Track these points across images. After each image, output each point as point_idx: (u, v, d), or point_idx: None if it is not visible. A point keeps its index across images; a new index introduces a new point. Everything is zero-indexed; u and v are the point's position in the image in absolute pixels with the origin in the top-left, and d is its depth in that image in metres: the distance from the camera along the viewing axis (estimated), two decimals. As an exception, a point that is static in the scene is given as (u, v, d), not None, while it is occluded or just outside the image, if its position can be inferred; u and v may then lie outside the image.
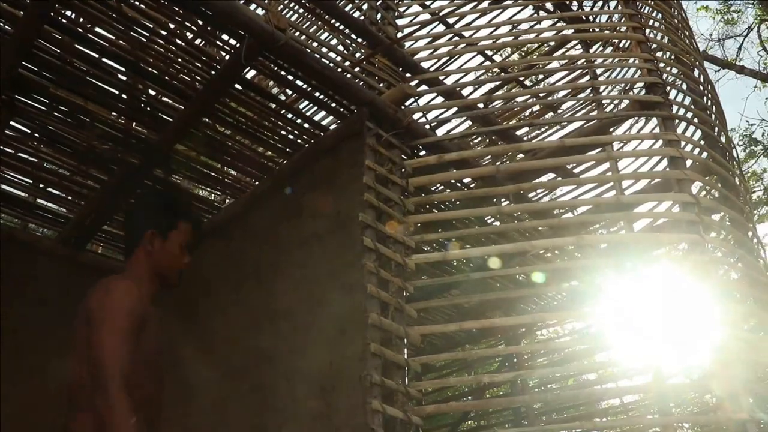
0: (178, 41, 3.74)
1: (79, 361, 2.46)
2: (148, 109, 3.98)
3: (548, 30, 4.40)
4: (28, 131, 4.13)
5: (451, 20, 5.30)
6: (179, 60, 3.79)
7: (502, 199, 4.33)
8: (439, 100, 4.45)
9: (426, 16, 4.74)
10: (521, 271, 3.64)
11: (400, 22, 4.43)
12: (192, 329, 4.64)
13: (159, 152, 3.89)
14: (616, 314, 3.61)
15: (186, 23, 3.83)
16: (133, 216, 2.85)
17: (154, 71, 3.75)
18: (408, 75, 4.28)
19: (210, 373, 4.23)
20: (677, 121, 3.85)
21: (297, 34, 3.94)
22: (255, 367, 3.84)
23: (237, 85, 3.78)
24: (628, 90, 4.88)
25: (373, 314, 2.94)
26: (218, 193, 5.41)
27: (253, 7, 3.89)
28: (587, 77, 5.22)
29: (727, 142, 4.39)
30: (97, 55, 3.59)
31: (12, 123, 4.01)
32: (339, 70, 3.61)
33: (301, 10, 5.36)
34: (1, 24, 3.44)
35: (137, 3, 3.56)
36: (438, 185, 4.43)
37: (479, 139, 5.12)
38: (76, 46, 3.52)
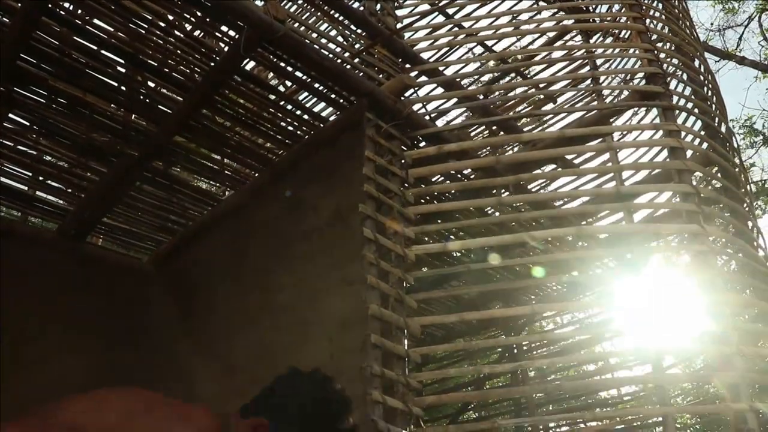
0: (176, 33, 3.73)
1: None
2: (147, 101, 3.97)
3: (548, 20, 4.38)
4: (27, 123, 4.12)
5: (450, 11, 5.29)
6: (178, 51, 3.78)
7: (502, 190, 4.32)
8: (439, 91, 4.44)
9: (425, 7, 4.73)
10: (521, 262, 3.63)
11: (399, 12, 4.42)
12: (192, 322, 4.65)
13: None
14: (616, 305, 3.62)
15: (185, 14, 3.82)
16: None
17: (153, 63, 3.73)
18: (407, 66, 4.27)
19: (210, 366, 4.25)
20: (677, 111, 3.84)
21: (296, 25, 3.93)
22: (256, 359, 3.85)
23: (236, 77, 3.77)
24: (629, 80, 4.87)
25: (374, 305, 2.94)
26: (218, 184, 5.41)
27: (251, -2, 3.88)
28: (587, 68, 5.20)
29: (727, 133, 4.38)
30: (95, 47, 3.57)
31: (11, 115, 4.01)
32: (338, 61, 3.60)
33: (300, 1, 5.35)
34: (-1, 15, 3.43)
35: (135, -6, 3.55)
36: (438, 176, 4.43)
37: (479, 129, 5.11)
38: (75, 38, 3.51)
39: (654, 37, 4.08)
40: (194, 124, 4.04)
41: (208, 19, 3.89)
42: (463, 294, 5.71)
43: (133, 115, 4.23)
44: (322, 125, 4.04)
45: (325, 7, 4.27)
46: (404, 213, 3.31)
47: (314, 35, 3.81)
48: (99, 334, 5.00)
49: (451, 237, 4.81)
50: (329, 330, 3.34)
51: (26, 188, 5.03)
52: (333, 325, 3.32)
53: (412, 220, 3.35)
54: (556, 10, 5.47)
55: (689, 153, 3.67)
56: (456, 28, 4.55)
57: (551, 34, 4.98)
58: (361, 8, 4.34)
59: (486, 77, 5.24)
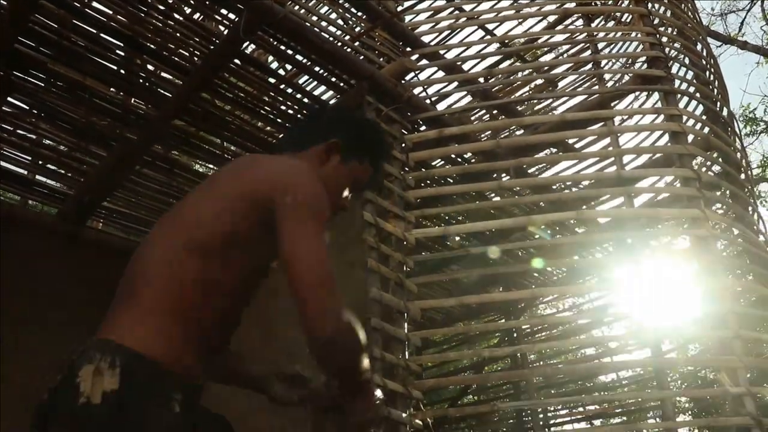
0: (176, 16, 3.70)
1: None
2: (147, 84, 3.95)
3: (550, 3, 4.34)
4: (27, 107, 4.11)
5: (451, -6, 5.25)
6: (178, 35, 3.75)
7: (503, 174, 4.32)
8: (440, 74, 4.42)
9: (426, -10, 4.69)
10: (521, 246, 3.64)
11: (400, -5, 4.39)
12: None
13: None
14: (616, 290, 3.63)
15: (184, -3, 3.80)
16: (331, 114, 2.25)
17: (152, 46, 3.71)
18: (408, 49, 4.25)
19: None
20: (679, 95, 3.83)
21: (296, 7, 3.90)
22: (258, 343, 3.86)
23: (236, 60, 3.75)
24: (630, 64, 4.84)
25: (374, 289, 2.95)
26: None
27: (251, -20, 3.85)
28: (589, 52, 5.17)
29: (728, 117, 4.37)
30: (95, 30, 3.55)
31: (10, 99, 3.99)
32: (338, 44, 3.59)
33: (300, -16, 5.30)
34: (-3, -2, 3.41)
35: (135, -23, 3.52)
36: (438, 160, 4.42)
37: (480, 113, 5.09)
38: (74, 21, 3.48)
39: (656, 21, 4.05)
40: (194, 107, 4.02)
41: (207, 2, 3.87)
42: (463, 278, 5.73)
43: (133, 99, 4.21)
44: (322, 109, 4.02)
45: (325, -10, 4.25)
46: (404, 197, 3.31)
47: (314, 18, 3.78)
48: (100, 318, 5.00)
49: (452, 221, 4.82)
50: (329, 313, 3.34)
51: (26, 172, 5.02)
52: (333, 308, 3.32)
53: (412, 203, 3.35)
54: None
55: (690, 138, 3.66)
56: (457, 12, 4.52)
57: (553, 18, 4.94)
58: (362, -9, 4.31)
59: (487, 61, 5.21)
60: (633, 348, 6.34)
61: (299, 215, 1.55)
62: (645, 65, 4.01)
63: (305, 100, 4.10)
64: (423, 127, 3.80)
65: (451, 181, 4.25)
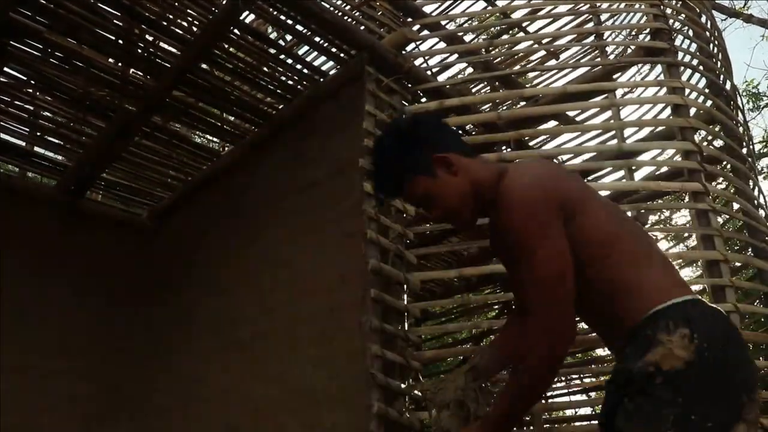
0: (174, -16, 3.66)
1: None
2: (146, 54, 3.91)
3: (553, -27, 4.28)
4: (24, 78, 4.08)
5: (453, -36, 5.18)
6: (176, 4, 3.71)
7: (503, 146, 4.30)
8: (441, 45, 4.38)
9: (428, -41, 4.62)
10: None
11: (401, -35, 4.32)
12: (192, 277, 4.67)
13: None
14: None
15: (182, -35, 3.74)
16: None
17: (150, 16, 3.67)
18: (409, 19, 4.20)
19: (211, 319, 4.28)
20: (682, 68, 3.79)
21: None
22: (256, 314, 3.88)
23: (235, 30, 3.72)
24: (634, 36, 4.79)
25: (373, 260, 2.95)
26: (217, 140, 5.38)
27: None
28: (592, 23, 5.11)
29: (732, 91, 4.33)
30: (92, -1, 3.52)
31: (6, 69, 3.96)
32: (339, 13, 3.55)
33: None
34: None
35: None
36: (439, 132, 4.39)
37: (481, 85, 5.05)
38: (71, -12, 3.45)
39: (660, -9, 4.00)
40: (193, 78, 3.99)
41: (206, -29, 3.81)
42: (463, 250, 5.73)
43: (131, 70, 4.18)
44: (322, 79, 3.99)
45: (325, -41, 4.18)
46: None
47: (314, -13, 3.73)
48: (99, 289, 5.03)
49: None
50: (329, 284, 3.35)
51: (24, 144, 5.00)
52: (332, 279, 3.33)
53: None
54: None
55: (693, 110, 3.63)
56: (459, -18, 4.47)
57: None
58: (362, -40, 4.25)
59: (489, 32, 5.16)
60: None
61: None
62: (648, 37, 3.96)
63: (305, 70, 4.07)
64: (423, 98, 3.77)
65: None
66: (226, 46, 3.85)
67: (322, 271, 3.44)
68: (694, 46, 4.13)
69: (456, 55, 4.28)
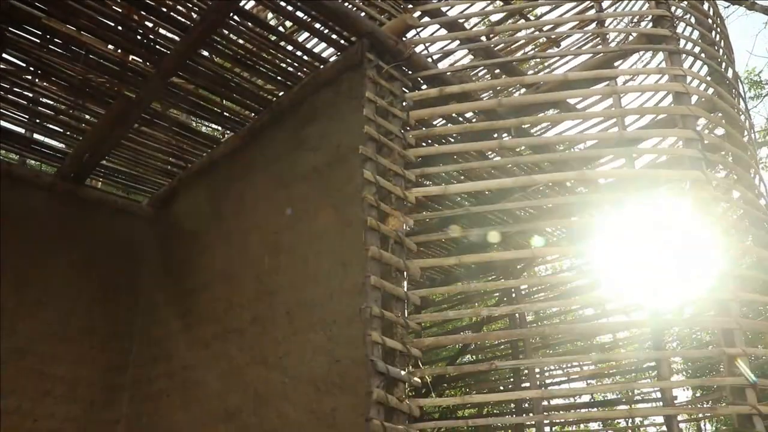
0: (173, -30, 3.63)
1: None
2: (145, 41, 3.90)
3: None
4: (23, 65, 4.06)
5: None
6: (175, -11, 3.69)
7: (504, 134, 4.28)
8: (442, 32, 4.36)
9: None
10: (521, 206, 3.62)
11: (402, -50, 4.29)
12: (192, 264, 4.68)
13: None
14: (615, 250, 3.62)
15: (181, -50, 3.71)
16: None
17: (150, 2, 3.65)
18: (410, 6, 4.18)
19: (211, 306, 4.29)
20: (684, 55, 3.77)
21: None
22: (256, 300, 3.88)
23: (235, 16, 3.69)
24: (635, 23, 4.77)
25: (373, 247, 2.95)
26: (217, 126, 5.37)
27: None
28: (593, 10, 5.08)
29: (734, 78, 4.31)
30: (91, -16, 3.49)
31: (4, 55, 3.94)
32: (339, -1, 3.53)
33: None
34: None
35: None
36: (439, 119, 4.38)
37: (482, 72, 5.03)
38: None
39: (663, -22, 3.97)
40: (193, 65, 3.98)
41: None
42: (463, 238, 5.73)
43: (131, 56, 4.16)
44: (322, 66, 3.98)
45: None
46: (405, 155, 3.29)
47: (314, -27, 3.70)
48: (99, 276, 5.04)
49: (452, 180, 4.81)
50: (329, 271, 3.36)
51: (23, 131, 4.99)
52: (333, 265, 3.34)
53: (412, 162, 3.33)
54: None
55: (694, 98, 3.61)
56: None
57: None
58: (363, -55, 4.22)
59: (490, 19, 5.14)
60: (631, 309, 6.38)
61: None
62: (650, 24, 3.94)
63: (305, 57, 4.05)
64: (424, 86, 3.76)
65: (452, 140, 4.22)
66: (226, 32, 3.83)
67: (321, 258, 3.44)
68: (696, 33, 4.11)
69: (457, 42, 4.26)
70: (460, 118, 4.30)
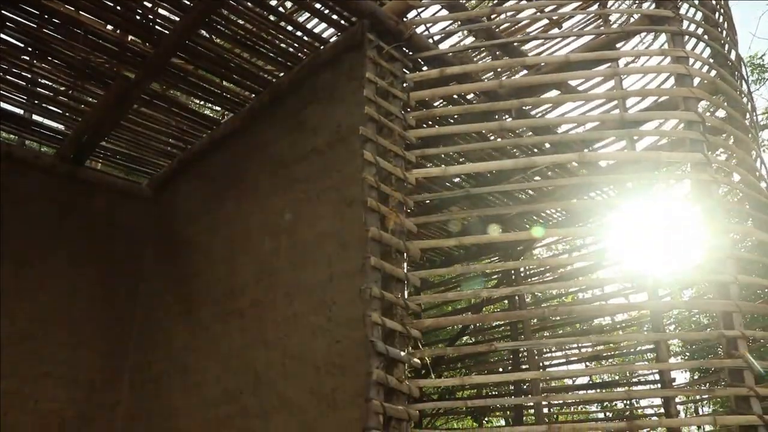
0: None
1: None
2: (144, 21, 3.87)
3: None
4: (21, 45, 4.03)
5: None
6: (174, -31, 3.66)
7: (504, 115, 4.27)
8: (443, 13, 4.33)
9: (430, -76, 4.54)
10: (521, 187, 3.62)
11: (403, -71, 4.25)
12: (192, 245, 4.68)
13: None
14: (615, 233, 3.62)
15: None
16: None
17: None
18: (411, -14, 4.14)
19: (211, 289, 4.30)
20: (687, 37, 3.74)
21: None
22: (256, 281, 3.89)
23: (235, -5, 3.67)
24: (638, 4, 4.73)
25: (373, 228, 2.95)
26: (217, 107, 5.35)
27: None
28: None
29: (736, 60, 4.28)
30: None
31: (2, 36, 3.92)
32: (339, -21, 3.50)
33: None
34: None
35: None
36: (439, 100, 4.36)
37: (483, 53, 5.00)
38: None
39: (666, -43, 3.93)
40: (192, 45, 3.95)
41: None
42: (462, 219, 5.73)
43: (130, 36, 4.13)
44: (322, 47, 3.95)
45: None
46: (405, 136, 3.28)
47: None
48: (99, 257, 5.05)
49: (453, 162, 4.79)
50: (329, 252, 3.36)
51: (22, 112, 4.97)
52: (332, 246, 3.34)
53: (413, 143, 3.32)
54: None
55: (696, 80, 3.59)
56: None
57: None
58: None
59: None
60: (630, 292, 6.41)
61: None
62: (653, 5, 3.91)
63: (305, 37, 4.03)
64: (425, 66, 3.74)
65: (452, 121, 4.21)
66: (226, 12, 3.81)
67: (322, 239, 3.44)
68: (699, 14, 4.08)
69: (458, 23, 4.23)
70: (461, 100, 4.28)
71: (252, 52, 4.11)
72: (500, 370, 7.09)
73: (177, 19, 3.79)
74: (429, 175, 3.56)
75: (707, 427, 8.93)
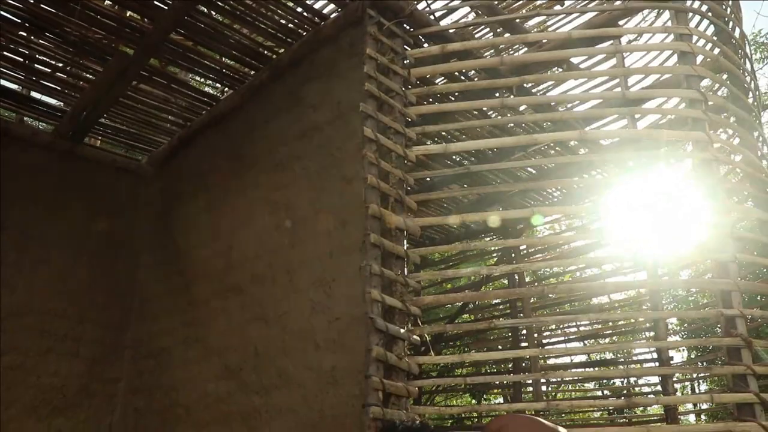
0: None
1: None
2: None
3: None
4: (18, 20, 3.99)
5: None
6: (172, -58, 3.61)
7: (505, 92, 4.24)
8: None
9: None
10: (522, 165, 3.60)
11: None
12: (192, 221, 4.68)
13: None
14: (615, 211, 3.61)
15: None
16: None
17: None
18: (412, -39, 4.09)
19: (211, 263, 4.30)
20: (690, 13, 3.70)
21: None
22: (255, 258, 3.89)
23: (233, -30, 3.63)
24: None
25: (373, 205, 2.94)
26: (217, 84, 5.31)
27: None
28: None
29: (740, 38, 4.24)
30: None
31: (-1, 11, 3.88)
32: (340, -47, 3.45)
33: None
34: None
35: None
36: (440, 77, 4.33)
37: (484, 30, 4.95)
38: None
39: (670, -68, 3.88)
40: (191, 21, 3.91)
41: None
42: (463, 197, 5.72)
43: (128, 12, 4.09)
44: (322, 23, 3.91)
45: None
46: (405, 113, 3.26)
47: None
48: (99, 234, 5.05)
49: (453, 140, 4.77)
50: (328, 229, 3.36)
51: (20, 88, 4.93)
52: (332, 224, 3.34)
53: (413, 120, 3.30)
54: None
55: (699, 58, 3.56)
56: None
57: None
58: None
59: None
60: (628, 271, 6.42)
61: None
62: (656, -20, 3.86)
63: (305, 13, 3.98)
64: (426, 44, 3.71)
65: (453, 98, 4.18)
66: (225, -13, 3.77)
67: (321, 216, 3.44)
68: (703, -10, 4.04)
69: (459, -1, 4.19)
70: (462, 77, 4.25)
71: (251, 28, 4.07)
72: (499, 347, 7.12)
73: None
74: (429, 153, 3.54)
75: (704, 405, 9.00)
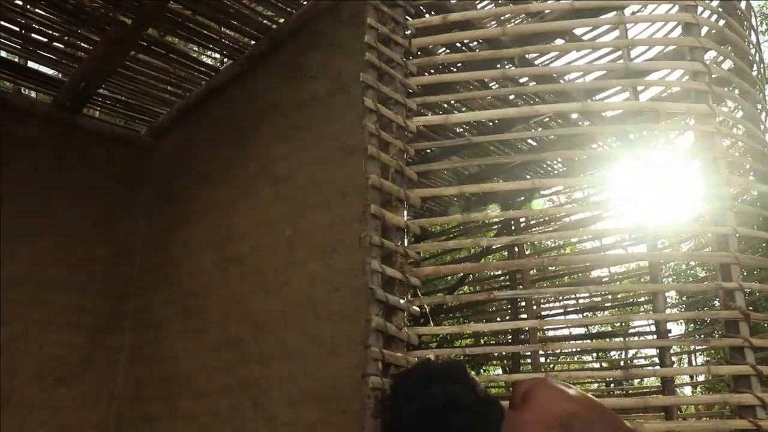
0: None
1: None
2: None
3: None
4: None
5: None
6: None
7: (507, 63, 4.20)
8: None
9: None
10: (524, 136, 3.58)
11: None
12: (192, 192, 4.68)
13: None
14: (615, 184, 3.61)
15: None
16: None
17: None
18: (413, -71, 4.02)
19: (211, 234, 4.31)
20: (695, -17, 3.65)
21: None
22: (255, 229, 3.90)
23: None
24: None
25: (373, 176, 2.92)
26: (216, 54, 5.27)
27: None
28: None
29: (746, 9, 4.19)
30: None
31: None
32: None
33: None
34: None
35: None
36: (442, 47, 4.29)
37: (486, 0, 4.90)
38: None
39: None
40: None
41: None
42: (464, 168, 5.71)
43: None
44: (322, -8, 3.87)
45: None
46: (406, 83, 3.23)
47: None
48: (99, 205, 5.05)
49: (454, 111, 4.75)
50: (329, 200, 3.35)
51: (17, 58, 4.88)
52: (332, 194, 3.33)
53: (414, 90, 3.27)
54: None
55: (704, 30, 3.52)
56: None
57: None
58: None
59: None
60: (628, 244, 6.43)
61: None
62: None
63: (305, -18, 3.94)
64: (427, 14, 3.66)
65: (455, 69, 4.15)
66: (223, -46, 3.72)
67: (321, 187, 3.43)
68: (708, -41, 3.98)
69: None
70: (463, 47, 4.21)
71: (251, -4, 4.03)
72: (498, 319, 7.16)
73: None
74: (430, 123, 3.52)
75: (700, 378, 9.08)
